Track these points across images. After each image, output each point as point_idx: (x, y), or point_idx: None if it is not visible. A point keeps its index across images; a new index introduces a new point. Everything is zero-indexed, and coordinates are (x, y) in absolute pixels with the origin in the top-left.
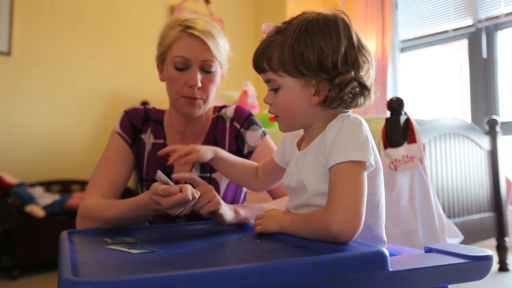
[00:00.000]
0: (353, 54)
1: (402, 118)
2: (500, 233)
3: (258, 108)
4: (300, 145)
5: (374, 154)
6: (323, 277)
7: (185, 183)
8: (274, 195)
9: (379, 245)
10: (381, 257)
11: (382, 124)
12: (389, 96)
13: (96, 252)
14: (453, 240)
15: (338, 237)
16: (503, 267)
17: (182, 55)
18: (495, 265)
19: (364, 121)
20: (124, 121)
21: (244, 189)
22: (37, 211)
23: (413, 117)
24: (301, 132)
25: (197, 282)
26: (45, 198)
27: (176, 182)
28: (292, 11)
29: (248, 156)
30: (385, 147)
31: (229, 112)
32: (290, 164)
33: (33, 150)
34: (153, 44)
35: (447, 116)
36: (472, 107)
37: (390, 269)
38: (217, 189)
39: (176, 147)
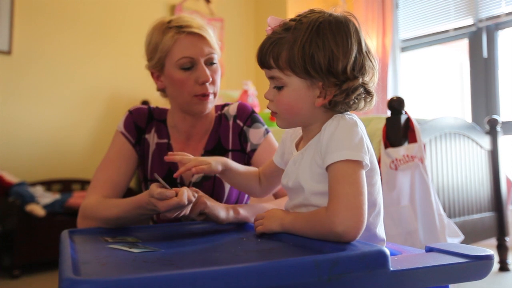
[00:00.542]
0: (361, 59)
1: (403, 118)
2: (500, 232)
3: (258, 107)
4: (298, 145)
5: (369, 154)
6: (324, 277)
7: (185, 184)
8: (276, 194)
9: (379, 243)
10: (382, 256)
11: (382, 123)
12: (389, 96)
13: (97, 251)
14: (453, 239)
15: (342, 237)
16: (503, 267)
17: (187, 55)
18: (495, 265)
19: (359, 121)
20: (128, 120)
21: None
22: (37, 210)
23: (413, 116)
24: (300, 132)
25: (198, 282)
26: (46, 197)
27: (176, 184)
28: (292, 10)
29: (251, 153)
30: (386, 146)
31: (232, 110)
32: (288, 164)
33: (34, 149)
34: None
35: (447, 115)
36: (473, 107)
37: (391, 269)
38: (222, 190)
39: (184, 159)
